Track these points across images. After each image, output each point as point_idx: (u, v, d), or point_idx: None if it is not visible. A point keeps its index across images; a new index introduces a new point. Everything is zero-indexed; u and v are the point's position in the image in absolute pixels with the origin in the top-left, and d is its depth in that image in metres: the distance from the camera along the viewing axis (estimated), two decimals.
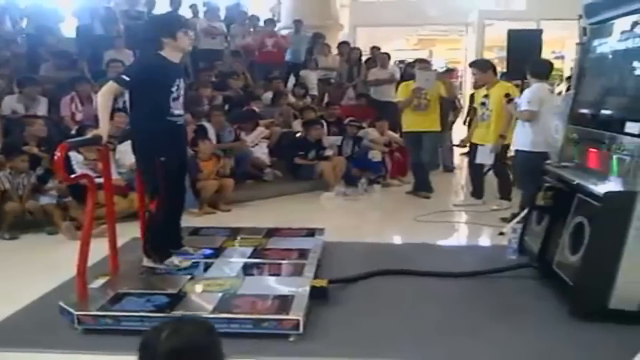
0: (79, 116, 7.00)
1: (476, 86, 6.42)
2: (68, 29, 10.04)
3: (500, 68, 13.95)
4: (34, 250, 5.06)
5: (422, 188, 7.26)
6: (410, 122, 7.09)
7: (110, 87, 3.79)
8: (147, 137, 3.83)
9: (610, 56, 3.94)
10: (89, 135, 3.89)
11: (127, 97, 4.29)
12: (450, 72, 11.56)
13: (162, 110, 3.80)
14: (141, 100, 3.84)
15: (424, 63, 8.06)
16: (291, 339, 3.18)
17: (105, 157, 3.95)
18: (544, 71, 5.73)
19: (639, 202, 3.24)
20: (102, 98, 3.77)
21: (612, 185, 3.44)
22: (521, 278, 4.13)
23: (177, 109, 3.89)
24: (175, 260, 4.04)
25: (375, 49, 11.44)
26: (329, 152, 7.73)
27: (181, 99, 3.94)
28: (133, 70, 3.93)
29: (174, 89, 3.82)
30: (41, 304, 3.73)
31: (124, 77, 3.77)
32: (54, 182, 5.60)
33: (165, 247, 4.09)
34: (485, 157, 6.25)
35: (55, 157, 3.40)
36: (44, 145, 6.03)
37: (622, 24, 3.80)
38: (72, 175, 4.06)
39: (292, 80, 10.53)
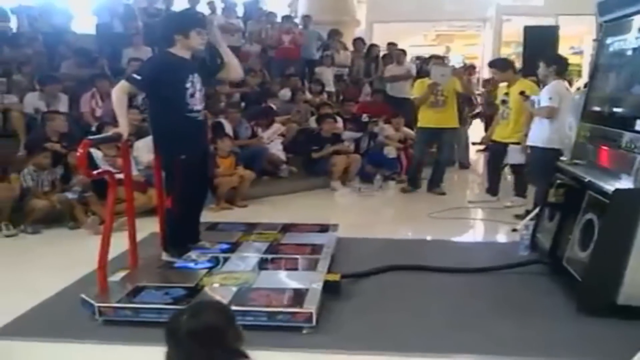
0: (98, 112, 7.13)
1: (493, 84, 6.40)
2: (87, 27, 10.20)
3: (518, 64, 14.02)
4: (56, 245, 5.20)
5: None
6: (428, 118, 7.08)
7: (122, 86, 3.85)
8: (167, 135, 3.90)
9: (622, 54, 3.96)
10: (110, 132, 3.98)
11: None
12: (470, 68, 11.54)
13: (180, 107, 3.84)
14: (157, 99, 3.90)
15: (439, 59, 8.09)
16: (304, 331, 3.26)
17: (126, 154, 4.04)
18: (562, 67, 5.76)
19: None
20: (116, 97, 3.82)
21: (622, 182, 3.48)
22: (532, 274, 4.17)
23: (196, 104, 3.91)
24: (193, 255, 4.12)
25: (391, 45, 11.48)
26: (346, 145, 7.78)
27: (198, 94, 3.93)
28: (144, 70, 3.95)
29: (188, 84, 3.84)
30: (63, 296, 3.85)
31: (135, 76, 3.81)
32: (76, 178, 5.72)
33: (184, 242, 4.19)
34: (517, 157, 6.23)
35: (78, 154, 3.52)
36: (65, 142, 6.17)
37: (634, 22, 3.82)
38: (95, 172, 4.17)
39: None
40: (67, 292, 3.89)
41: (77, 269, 4.22)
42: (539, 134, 5.55)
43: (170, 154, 3.93)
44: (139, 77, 3.78)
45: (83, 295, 3.49)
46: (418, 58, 12.02)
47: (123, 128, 3.78)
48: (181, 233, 4.17)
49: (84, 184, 5.74)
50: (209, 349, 1.70)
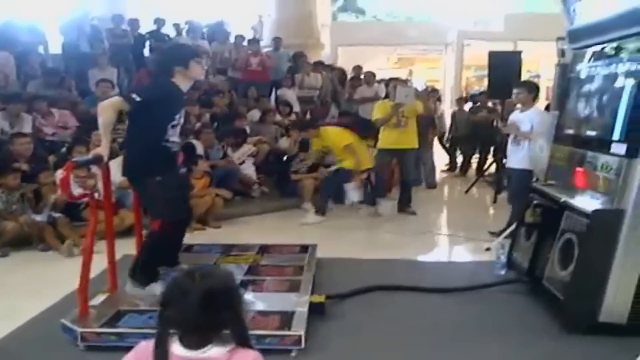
0: (48, 130, 7.12)
1: (514, 103, 6.22)
2: (54, 46, 10.05)
3: (479, 87, 14.37)
4: (27, 268, 5.06)
5: (371, 202, 7.34)
6: (390, 139, 7.10)
7: (115, 102, 3.73)
8: (140, 158, 3.82)
9: (594, 80, 4.10)
10: (91, 154, 3.90)
11: None
12: (434, 92, 11.76)
13: (159, 135, 3.79)
14: (141, 123, 3.79)
15: (398, 81, 8.18)
16: (293, 354, 3.25)
17: (106, 176, 3.96)
18: (538, 93, 6.08)
19: (626, 219, 3.38)
20: (106, 114, 3.66)
21: (600, 203, 3.58)
22: (511, 293, 4.24)
23: (174, 136, 3.90)
24: (157, 289, 3.71)
25: (357, 67, 11.65)
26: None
27: (179, 128, 3.94)
28: (146, 93, 3.86)
29: (177, 116, 3.86)
30: (41, 321, 3.75)
31: (135, 96, 3.69)
32: (48, 199, 5.60)
33: (156, 269, 3.98)
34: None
35: (61, 176, 3.45)
36: (33, 162, 6.04)
37: (604, 50, 3.98)
38: (77, 193, 4.08)
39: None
40: (43, 318, 3.80)
41: (50, 293, 4.13)
42: (520, 157, 5.74)
43: (143, 176, 3.82)
44: (138, 99, 3.65)
45: (64, 320, 3.39)
46: (381, 80, 12.19)
47: (104, 149, 3.68)
48: (157, 258, 4.00)
49: (55, 205, 5.63)
50: (221, 310, 1.67)
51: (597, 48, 4.06)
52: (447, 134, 11.35)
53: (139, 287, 3.87)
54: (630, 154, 3.40)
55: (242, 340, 1.72)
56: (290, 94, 10.28)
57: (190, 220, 4.51)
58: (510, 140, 6.03)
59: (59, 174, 4.09)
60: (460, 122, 10.78)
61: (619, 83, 3.71)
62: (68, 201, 5.20)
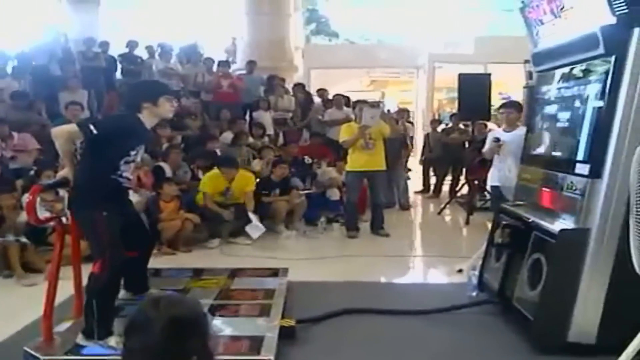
0: (6, 153, 7.07)
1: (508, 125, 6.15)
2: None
3: (450, 109, 14.54)
4: None
5: (352, 228, 7.28)
6: (358, 161, 7.10)
7: (71, 131, 3.55)
8: (87, 190, 3.56)
9: (557, 101, 4.18)
10: (57, 177, 3.84)
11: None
12: (403, 112, 11.86)
13: (109, 168, 3.58)
14: (94, 154, 3.58)
15: (366, 104, 8.21)
16: None
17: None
18: None
19: (592, 238, 3.43)
20: (60, 142, 3.53)
21: (566, 223, 3.62)
22: (483, 314, 4.25)
23: (126, 171, 3.67)
24: (113, 340, 3.38)
25: (322, 90, 11.73)
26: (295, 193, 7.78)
27: (132, 165, 3.74)
28: (105, 125, 3.74)
29: (132, 153, 3.65)
30: (3, 348, 3.66)
31: (92, 128, 3.46)
32: (9, 222, 5.51)
33: (110, 318, 3.48)
34: None
35: (28, 200, 3.39)
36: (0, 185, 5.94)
37: (566, 73, 4.07)
38: (42, 217, 4.00)
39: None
40: (6, 345, 3.70)
41: (13, 320, 4.03)
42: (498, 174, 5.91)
43: (89, 210, 3.52)
44: (95, 131, 3.45)
45: (26, 348, 3.31)
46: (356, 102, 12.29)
47: (69, 172, 3.62)
48: (108, 306, 3.50)
49: (16, 229, 5.52)
50: (186, 339, 1.64)
51: (560, 70, 4.14)
52: (420, 156, 11.46)
53: (89, 342, 3.41)
54: (593, 174, 3.46)
55: None
56: (266, 117, 10.30)
57: (153, 245, 4.31)
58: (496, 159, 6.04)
59: (26, 197, 4.00)
60: (434, 144, 10.87)
61: (581, 105, 3.79)
62: (29, 224, 5.09)
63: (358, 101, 8.89)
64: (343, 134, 7.23)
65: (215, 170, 7.06)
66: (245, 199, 7.00)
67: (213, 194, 6.89)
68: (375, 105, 7.88)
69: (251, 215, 6.82)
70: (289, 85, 11.96)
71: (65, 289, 3.84)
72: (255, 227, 6.77)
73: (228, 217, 6.99)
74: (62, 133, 3.57)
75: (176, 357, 1.65)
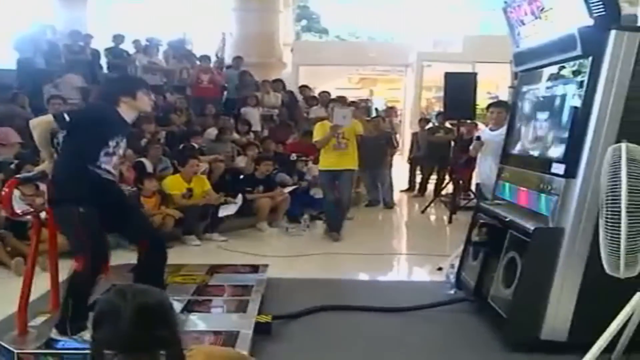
0: None
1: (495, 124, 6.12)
2: (6, 62, 9.90)
3: (439, 108, 14.57)
4: None
5: (334, 228, 7.10)
6: (329, 161, 6.99)
7: (46, 121, 3.53)
8: (64, 182, 3.51)
9: (536, 101, 4.21)
10: (35, 171, 3.82)
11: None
12: (390, 110, 11.90)
13: (88, 159, 3.49)
14: (72, 144, 3.55)
15: (339, 101, 8.15)
16: None
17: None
18: None
19: (565, 237, 3.46)
20: (37, 132, 3.51)
21: (541, 221, 3.65)
22: (459, 312, 4.28)
23: (107, 164, 3.57)
24: (87, 335, 3.22)
25: (304, 87, 11.72)
26: (279, 191, 7.77)
27: (115, 158, 3.65)
28: (79, 115, 3.72)
29: (111, 143, 3.55)
30: None
31: (65, 115, 3.47)
32: None
33: (84, 315, 3.35)
34: None
35: (4, 193, 3.37)
36: None
37: (545, 73, 4.09)
38: (19, 211, 3.98)
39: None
40: None
41: None
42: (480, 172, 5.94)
43: (66, 204, 3.47)
44: (67, 119, 3.45)
45: (1, 341, 3.29)
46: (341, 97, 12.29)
47: (47, 166, 3.62)
48: (84, 302, 3.41)
49: None
50: (155, 328, 1.63)
51: (539, 71, 4.16)
52: (408, 154, 11.51)
53: (63, 337, 3.37)
54: (568, 174, 3.49)
55: None
56: (254, 113, 10.29)
57: (162, 246, 3.96)
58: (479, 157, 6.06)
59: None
60: (422, 142, 10.90)
61: (558, 105, 3.82)
62: (9, 218, 5.07)
63: (331, 100, 8.84)
64: (316, 134, 7.11)
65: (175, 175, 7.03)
66: (207, 199, 6.95)
67: (176, 196, 6.80)
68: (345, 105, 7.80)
69: (225, 205, 6.87)
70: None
71: (47, 283, 3.86)
72: (226, 207, 6.85)
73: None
74: (39, 123, 3.56)
75: (145, 346, 1.64)
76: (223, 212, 6.89)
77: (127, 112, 3.67)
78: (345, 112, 6.90)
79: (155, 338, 1.64)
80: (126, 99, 3.63)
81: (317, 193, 8.18)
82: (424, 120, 11.97)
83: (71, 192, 3.46)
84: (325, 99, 10.36)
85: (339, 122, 6.72)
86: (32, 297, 3.59)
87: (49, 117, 3.58)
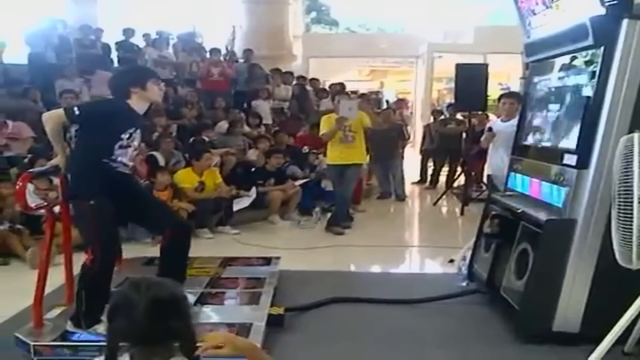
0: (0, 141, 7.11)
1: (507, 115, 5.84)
2: (19, 57, 9.96)
3: (450, 99, 14.52)
4: None
5: (342, 220, 7.05)
6: (337, 155, 6.88)
7: (56, 114, 3.56)
8: (78, 176, 3.57)
9: (548, 91, 4.19)
10: (47, 165, 3.87)
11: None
12: (401, 102, 11.87)
13: (103, 152, 3.55)
14: (85, 138, 3.63)
15: (345, 94, 8.08)
16: None
17: (64, 187, 3.91)
18: None
19: (577, 229, 3.45)
20: (49, 127, 3.56)
21: (553, 213, 3.64)
22: (471, 304, 4.28)
23: (122, 156, 3.62)
24: (101, 328, 3.29)
25: (314, 80, 11.71)
26: (290, 184, 7.78)
27: (130, 150, 3.67)
28: (89, 109, 3.76)
29: (124, 136, 3.59)
30: None
31: (75, 109, 3.53)
32: (5, 210, 5.54)
33: (99, 308, 3.29)
34: None
35: (18, 187, 3.41)
36: None
37: (556, 63, 4.07)
38: (33, 205, 4.03)
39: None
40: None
41: (6, 307, 4.05)
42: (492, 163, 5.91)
43: (79, 197, 3.54)
44: (77, 112, 3.49)
45: (17, 334, 3.34)
46: (353, 92, 12.28)
47: (60, 160, 3.66)
48: (97, 296, 3.39)
49: (12, 217, 5.56)
50: (168, 320, 1.66)
51: (550, 61, 4.14)
52: (420, 146, 11.48)
53: (78, 329, 3.43)
54: (580, 165, 3.47)
55: (191, 353, 1.71)
56: (264, 106, 10.31)
57: (186, 234, 4.08)
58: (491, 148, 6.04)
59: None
60: (434, 134, 10.87)
61: (570, 95, 3.80)
62: (24, 212, 5.13)
63: (337, 92, 8.81)
64: (323, 127, 7.00)
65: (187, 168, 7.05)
66: (219, 192, 6.97)
67: (188, 190, 6.83)
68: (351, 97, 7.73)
69: (239, 199, 6.89)
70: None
71: (62, 276, 3.91)
72: (240, 201, 6.87)
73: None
74: (50, 117, 3.59)
75: (159, 338, 1.68)
76: (237, 205, 6.91)
77: (138, 103, 3.68)
78: (352, 104, 6.81)
79: (169, 330, 1.67)
80: (136, 89, 3.65)
81: (328, 186, 8.17)
82: (437, 112, 11.93)
83: (83, 186, 3.52)
84: (335, 91, 10.36)
85: (345, 114, 6.62)
86: (47, 290, 3.64)
87: (59, 111, 3.59)
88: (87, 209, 3.46)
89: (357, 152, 6.92)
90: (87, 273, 3.43)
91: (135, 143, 3.75)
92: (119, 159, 3.60)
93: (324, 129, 6.96)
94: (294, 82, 11.72)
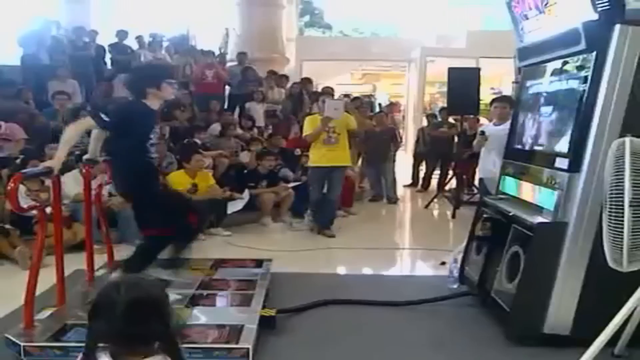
0: None
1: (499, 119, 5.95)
2: (10, 58, 9.92)
3: (442, 103, 14.57)
4: None
5: (326, 226, 6.93)
6: (320, 157, 6.70)
7: (86, 122, 3.89)
8: (130, 176, 4.00)
9: (540, 96, 4.21)
10: (40, 167, 3.87)
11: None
12: (393, 105, 11.89)
13: (143, 152, 3.98)
14: (123, 143, 3.95)
15: (329, 94, 8.01)
16: None
17: (56, 189, 3.91)
18: None
19: (569, 232, 3.47)
20: (73, 132, 3.82)
21: (544, 216, 3.66)
22: (462, 306, 4.30)
23: (154, 152, 4.12)
24: (163, 274, 4.22)
25: (306, 80, 11.71)
26: (283, 186, 7.76)
27: (154, 144, 4.13)
28: (115, 113, 4.01)
29: (152, 135, 4.03)
30: None
31: (103, 116, 3.84)
32: None
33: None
34: None
35: (9, 188, 3.41)
36: None
37: (549, 68, 4.09)
38: (26, 206, 4.02)
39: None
40: None
41: None
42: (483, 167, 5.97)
43: (142, 189, 4.03)
44: (106, 119, 3.83)
45: (7, 335, 3.33)
46: (346, 96, 12.30)
47: (56, 162, 3.68)
48: (150, 260, 4.20)
49: (3, 218, 5.53)
50: (148, 322, 1.65)
51: (543, 66, 4.16)
52: (414, 149, 11.51)
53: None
54: (572, 169, 3.49)
55: (171, 354, 1.71)
56: (258, 109, 10.30)
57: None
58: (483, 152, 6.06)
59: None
60: (428, 137, 10.89)
61: (562, 100, 3.83)
62: (14, 213, 5.11)
63: (321, 93, 8.77)
64: (306, 128, 6.82)
65: (179, 170, 7.03)
66: (211, 193, 6.95)
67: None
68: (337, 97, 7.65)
69: (233, 202, 6.91)
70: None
71: (53, 277, 3.88)
72: (234, 204, 6.90)
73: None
74: (80, 123, 3.94)
75: (138, 339, 1.67)
76: (231, 208, 6.90)
77: (153, 102, 4.04)
78: (337, 104, 6.69)
79: (148, 331, 1.67)
80: (152, 90, 3.99)
81: None
82: (431, 116, 11.96)
83: (138, 183, 4.00)
84: (320, 92, 10.35)
85: (330, 114, 6.46)
86: (37, 291, 3.63)
87: (88, 119, 3.92)
88: (148, 198, 4.03)
89: (341, 154, 6.75)
90: (153, 242, 4.18)
91: (157, 136, 4.27)
92: (153, 155, 4.10)
93: (307, 130, 6.79)
94: (294, 83, 11.71)
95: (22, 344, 3.23)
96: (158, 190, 4.29)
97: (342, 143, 6.70)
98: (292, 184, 7.93)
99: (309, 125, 6.79)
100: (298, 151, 8.84)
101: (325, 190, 6.91)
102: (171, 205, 4.27)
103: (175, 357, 1.71)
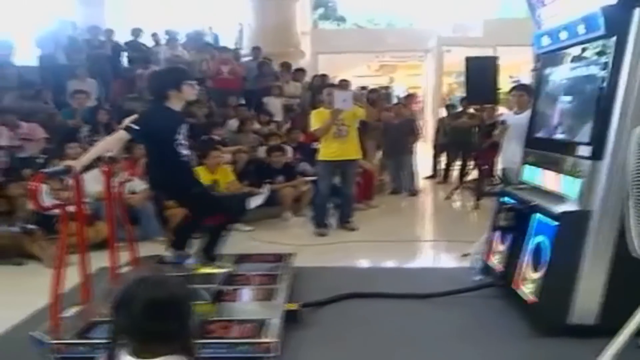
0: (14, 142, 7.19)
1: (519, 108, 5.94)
2: (29, 58, 10.02)
3: (460, 93, 14.46)
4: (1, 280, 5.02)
5: (321, 224, 6.80)
6: (331, 150, 6.57)
7: (121, 136, 4.01)
8: (168, 177, 4.19)
9: (560, 83, 4.16)
10: (61, 166, 3.91)
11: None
12: (411, 97, 11.82)
13: (174, 154, 4.14)
14: (155, 148, 4.18)
15: (337, 87, 7.95)
16: None
17: (78, 187, 3.95)
18: None
19: (593, 220, 3.43)
20: (109, 143, 4.06)
21: (568, 205, 3.62)
22: (486, 297, 4.27)
23: (184, 151, 4.24)
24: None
25: (323, 76, 11.67)
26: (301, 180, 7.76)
27: (184, 142, 4.22)
28: (141, 121, 4.07)
29: (179, 136, 4.13)
30: (13, 333, 3.76)
31: (134, 126, 3.96)
32: (18, 211, 5.58)
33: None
34: None
35: (32, 187, 3.45)
36: (8, 175, 6.02)
37: (568, 54, 4.04)
38: (47, 205, 4.07)
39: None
40: (16, 331, 3.78)
41: (23, 308, 4.10)
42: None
43: (181, 191, 4.32)
44: (137, 128, 3.95)
45: (32, 333, 3.37)
46: (363, 88, 12.26)
47: (79, 162, 3.73)
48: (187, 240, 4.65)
49: (26, 218, 5.60)
50: (166, 320, 1.67)
51: (561, 52, 4.11)
52: (433, 141, 11.44)
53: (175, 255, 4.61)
54: (595, 156, 3.45)
55: (187, 353, 1.72)
56: (276, 103, 10.30)
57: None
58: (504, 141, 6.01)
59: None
60: (447, 128, 10.82)
61: (583, 86, 3.78)
62: (37, 213, 5.18)
63: (328, 85, 8.70)
64: (314, 122, 6.67)
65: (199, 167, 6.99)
66: (232, 189, 6.99)
67: None
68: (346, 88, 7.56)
69: (254, 197, 6.89)
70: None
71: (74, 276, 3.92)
72: (255, 199, 6.89)
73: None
74: (114, 137, 4.11)
75: (156, 337, 1.68)
76: (252, 203, 6.92)
77: (175, 103, 4.17)
78: (346, 95, 6.58)
79: (166, 329, 1.68)
80: (173, 92, 4.10)
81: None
82: (450, 106, 11.87)
83: (177, 183, 4.23)
84: (344, 88, 10.31)
85: (339, 105, 6.31)
86: (63, 290, 3.68)
87: (122, 134, 4.02)
88: (192, 198, 4.32)
89: (352, 146, 6.65)
90: (195, 224, 4.58)
91: (185, 135, 4.27)
92: (183, 153, 4.22)
93: (316, 124, 6.63)
94: (315, 75, 11.68)
95: (49, 341, 3.27)
96: (198, 185, 4.49)
97: (352, 135, 6.60)
98: (309, 178, 7.91)
99: (317, 119, 6.65)
100: (315, 145, 8.82)
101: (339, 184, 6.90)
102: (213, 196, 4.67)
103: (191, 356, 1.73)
